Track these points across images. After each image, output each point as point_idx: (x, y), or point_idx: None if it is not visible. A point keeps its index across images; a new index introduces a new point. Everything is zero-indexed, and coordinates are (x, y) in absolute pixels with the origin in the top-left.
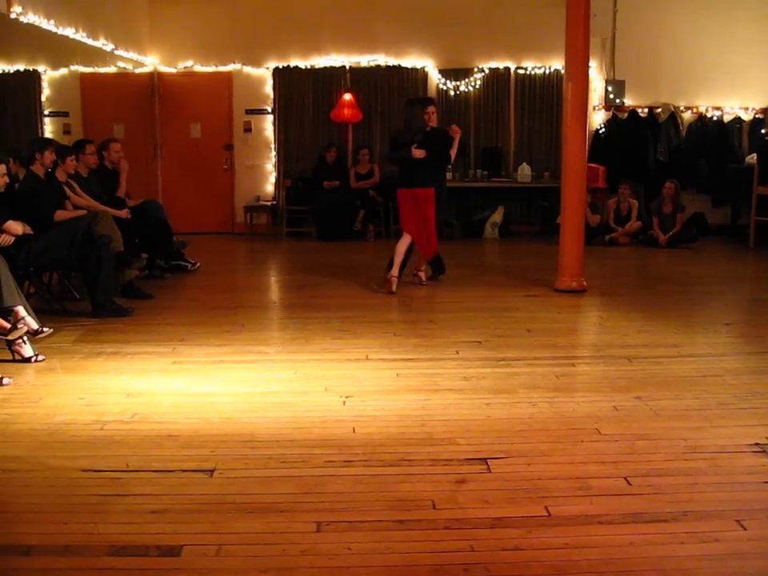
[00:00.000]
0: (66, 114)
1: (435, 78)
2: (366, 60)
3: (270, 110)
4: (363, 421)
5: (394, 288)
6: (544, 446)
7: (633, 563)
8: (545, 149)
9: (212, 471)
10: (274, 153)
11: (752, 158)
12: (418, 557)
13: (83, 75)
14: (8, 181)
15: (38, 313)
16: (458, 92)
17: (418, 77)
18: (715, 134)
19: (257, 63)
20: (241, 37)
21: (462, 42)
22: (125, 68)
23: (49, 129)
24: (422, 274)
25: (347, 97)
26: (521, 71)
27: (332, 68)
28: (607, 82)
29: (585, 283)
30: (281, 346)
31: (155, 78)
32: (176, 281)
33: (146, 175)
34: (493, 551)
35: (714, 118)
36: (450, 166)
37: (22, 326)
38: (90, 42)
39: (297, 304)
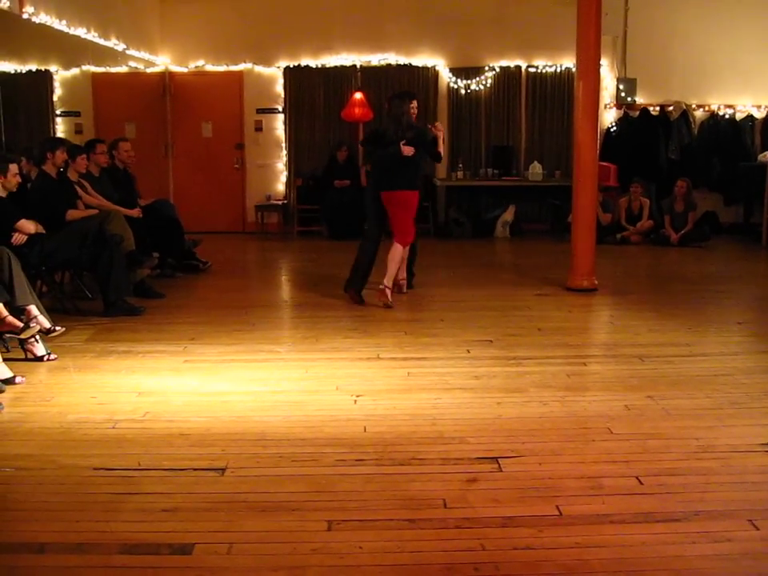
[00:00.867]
0: (77, 114)
1: (446, 76)
2: (376, 59)
3: (280, 109)
4: (374, 420)
5: (390, 299)
6: (555, 445)
7: (644, 563)
8: (556, 147)
9: (223, 470)
10: (284, 152)
11: (764, 156)
12: (428, 556)
13: (95, 75)
14: (20, 180)
15: (50, 312)
16: (468, 91)
17: (429, 75)
18: (727, 132)
19: (268, 62)
20: (252, 36)
21: (473, 40)
22: (136, 68)
23: (61, 128)
24: (404, 283)
25: (358, 96)
26: (532, 70)
27: (343, 67)
28: (619, 80)
29: (596, 282)
30: (292, 345)
31: (166, 77)
32: (187, 280)
33: (157, 174)
34: (504, 550)
35: (726, 116)
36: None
37: (34, 324)
38: (101, 41)
39: (307, 303)
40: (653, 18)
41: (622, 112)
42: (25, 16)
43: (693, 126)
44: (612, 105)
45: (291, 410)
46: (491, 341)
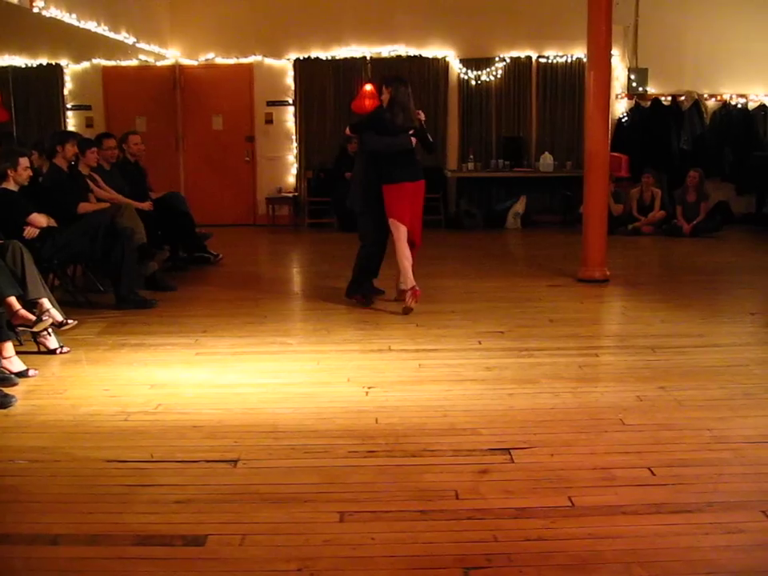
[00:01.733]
0: (88, 108)
1: (456, 67)
2: (386, 50)
3: (291, 101)
4: (386, 411)
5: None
6: (567, 437)
7: (657, 554)
8: (567, 138)
9: (236, 461)
10: (295, 144)
11: None
12: (440, 547)
13: (105, 68)
14: (31, 174)
15: (62, 305)
16: (479, 81)
17: (439, 67)
18: (739, 122)
19: (278, 55)
20: (261, 28)
21: (483, 31)
22: (146, 61)
23: (71, 122)
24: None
25: (368, 87)
26: (543, 60)
27: (353, 59)
28: (630, 71)
29: (608, 273)
30: (303, 337)
31: (177, 70)
32: (199, 273)
33: (168, 168)
34: (516, 541)
35: (739, 106)
36: None
37: (47, 318)
38: (111, 35)
39: (319, 295)
40: (664, 7)
41: (634, 102)
42: (35, 10)
43: (705, 115)
44: (623, 95)
45: (303, 401)
46: (503, 332)
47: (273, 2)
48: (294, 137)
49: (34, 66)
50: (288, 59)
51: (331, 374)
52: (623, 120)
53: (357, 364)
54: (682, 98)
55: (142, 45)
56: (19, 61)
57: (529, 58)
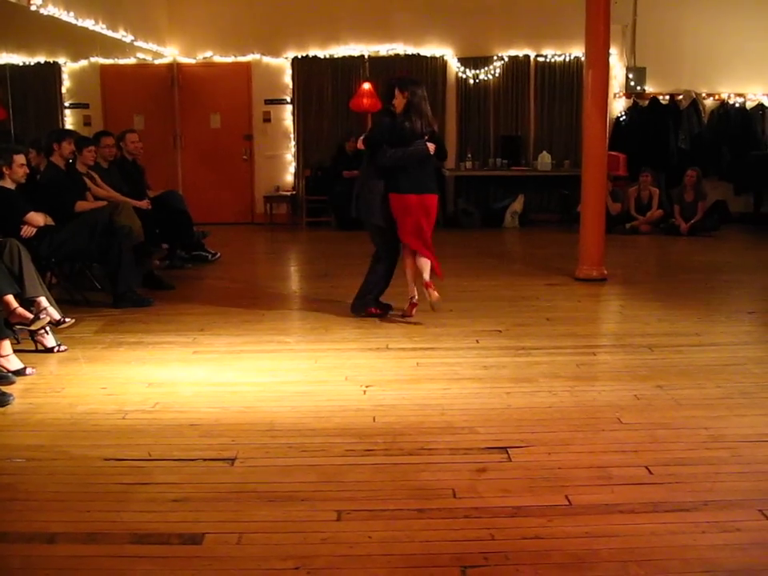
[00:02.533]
0: (86, 106)
1: (454, 66)
2: (384, 49)
3: (289, 99)
4: (383, 410)
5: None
6: (564, 435)
7: (653, 552)
8: (565, 137)
9: (233, 460)
10: (293, 143)
11: None
12: (438, 545)
13: (103, 67)
14: (27, 171)
15: (59, 303)
16: (477, 80)
17: (437, 65)
18: (737, 121)
19: (275, 53)
20: (259, 27)
21: (482, 29)
22: (144, 59)
23: (69, 120)
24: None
25: (366, 86)
26: (541, 59)
27: (351, 57)
28: (628, 69)
29: (605, 272)
30: (301, 336)
31: (174, 68)
32: (196, 271)
33: (166, 166)
34: (513, 540)
35: (737, 105)
36: None
37: (44, 316)
38: (109, 33)
39: (316, 293)
40: (662, 6)
41: (632, 101)
42: (33, 8)
43: (703, 114)
44: (621, 94)
45: (300, 400)
46: (500, 331)
47: (271, 0)
48: (291, 135)
49: (32, 64)
50: (286, 58)
51: (329, 373)
52: (621, 119)
53: (354, 362)
54: (680, 97)
55: (139, 43)
56: (17, 59)
57: (527, 56)
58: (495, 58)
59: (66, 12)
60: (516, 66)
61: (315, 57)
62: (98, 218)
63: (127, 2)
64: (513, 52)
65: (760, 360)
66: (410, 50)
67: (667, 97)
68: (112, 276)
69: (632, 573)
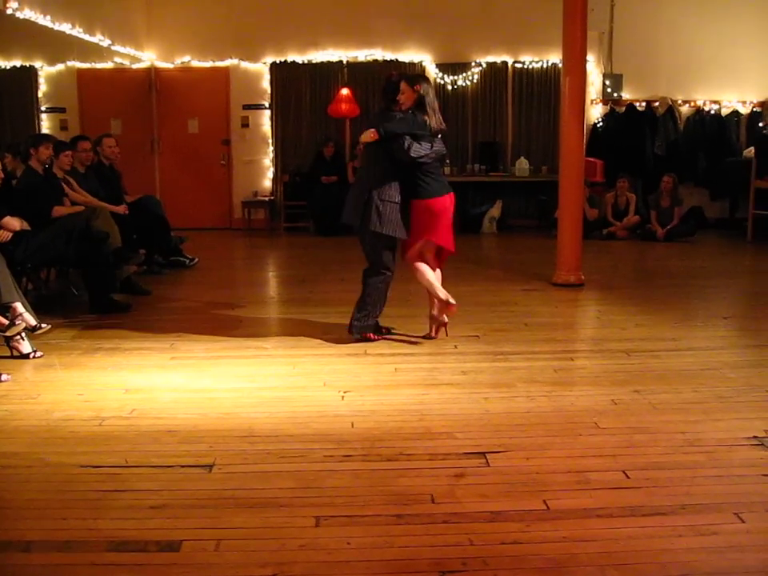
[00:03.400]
0: (62, 110)
1: (433, 72)
2: (363, 55)
3: (267, 105)
4: (362, 415)
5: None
6: (542, 440)
7: (631, 556)
8: (542, 143)
9: (211, 466)
10: (271, 148)
11: (750, 152)
12: (416, 551)
13: (80, 71)
14: (2, 176)
15: (35, 309)
16: (455, 86)
17: (416, 71)
18: (713, 128)
19: (254, 58)
20: (238, 32)
21: (460, 36)
22: (122, 63)
23: (46, 125)
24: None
25: (344, 92)
26: (518, 65)
27: (329, 63)
28: (605, 76)
29: (583, 277)
30: (279, 341)
31: (152, 73)
32: (174, 276)
33: (143, 171)
34: (491, 545)
35: (712, 112)
36: None
37: (20, 322)
38: (86, 37)
39: (295, 299)
40: (639, 13)
41: (609, 108)
42: (9, 11)
43: (679, 121)
44: (598, 100)
45: (279, 406)
46: (478, 336)
47: (249, 5)
48: (270, 140)
49: (8, 67)
50: (264, 63)
51: (307, 379)
52: (598, 125)
53: (333, 368)
54: (657, 103)
55: (117, 47)
56: None
57: (505, 63)
58: (473, 64)
59: (42, 16)
60: (494, 72)
61: (294, 62)
62: (75, 223)
63: (105, 6)
64: (491, 58)
65: (735, 365)
66: (389, 55)
67: (644, 103)
68: (89, 281)
69: None
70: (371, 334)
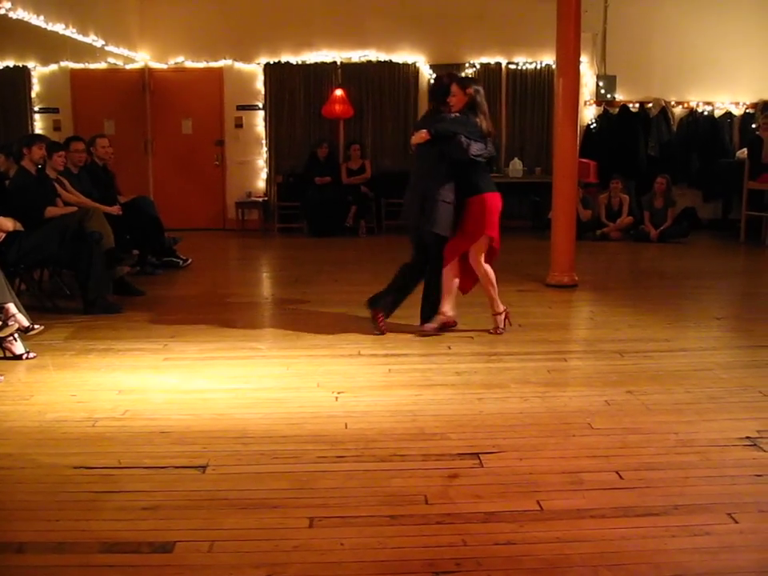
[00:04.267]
0: (56, 111)
1: (426, 73)
2: (357, 55)
3: (261, 105)
4: (355, 416)
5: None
6: (536, 441)
7: (624, 557)
8: (536, 144)
9: (204, 467)
10: (265, 149)
11: (742, 153)
12: (410, 552)
13: (73, 71)
14: None
15: (28, 310)
16: None
17: (410, 72)
18: (706, 129)
19: (248, 59)
20: (232, 32)
21: (454, 37)
22: (115, 64)
23: (39, 125)
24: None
25: (338, 92)
26: (512, 66)
27: (323, 63)
28: (598, 77)
29: (576, 278)
30: (273, 342)
31: (146, 73)
32: (167, 277)
33: (137, 171)
34: (485, 546)
35: (705, 113)
36: None
37: (12, 323)
38: (79, 37)
39: (288, 300)
40: (632, 15)
41: (602, 109)
42: (2, 11)
43: (672, 122)
44: (592, 102)
45: (272, 407)
46: (472, 337)
47: (243, 5)
48: (263, 141)
49: (1, 68)
50: (258, 63)
51: (301, 379)
52: (592, 126)
53: (326, 369)
54: (650, 105)
55: (110, 47)
56: None
57: (498, 64)
58: (467, 65)
59: (35, 16)
60: (488, 73)
61: (288, 63)
62: (68, 224)
63: (98, 6)
64: (484, 59)
65: (728, 365)
66: (383, 56)
67: (637, 105)
68: (82, 282)
69: None
70: (382, 316)
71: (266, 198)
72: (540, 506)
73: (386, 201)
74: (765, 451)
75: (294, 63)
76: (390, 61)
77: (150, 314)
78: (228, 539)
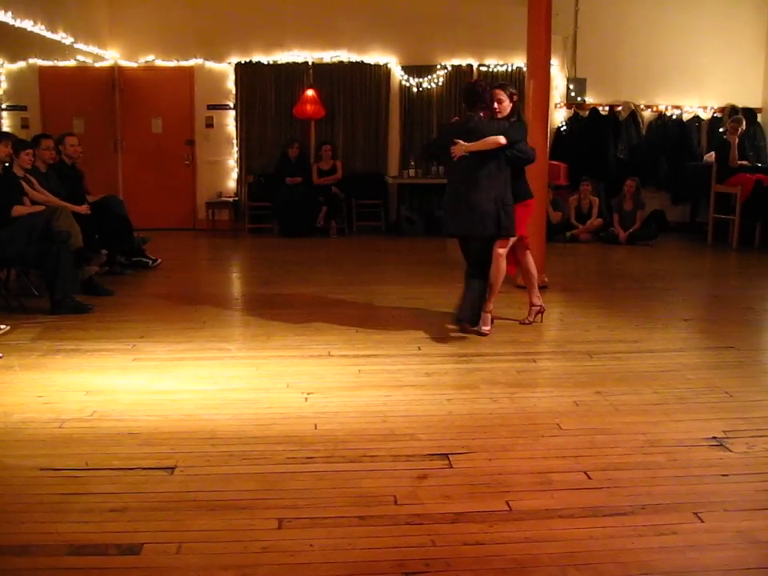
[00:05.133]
0: (24, 108)
1: (398, 74)
2: (328, 56)
3: (231, 105)
4: (325, 417)
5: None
6: (505, 441)
7: (592, 556)
8: None
9: (172, 469)
10: (236, 148)
11: (710, 156)
12: (379, 552)
13: (42, 69)
14: None
15: None
16: (420, 89)
17: (381, 73)
18: (675, 133)
19: (219, 58)
20: (203, 31)
21: (425, 38)
22: (84, 62)
23: (6, 123)
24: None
25: (310, 93)
26: (483, 68)
27: (295, 64)
28: (569, 80)
29: (546, 279)
30: (242, 343)
31: (116, 72)
32: (136, 277)
33: (106, 170)
34: (454, 546)
35: (674, 117)
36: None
37: None
38: (48, 34)
39: (259, 300)
40: (603, 18)
41: (572, 111)
42: None
43: (641, 126)
44: (562, 104)
45: (241, 408)
46: (442, 338)
47: (214, 4)
48: (234, 141)
49: None
50: (229, 63)
51: (270, 380)
52: (562, 129)
53: (296, 370)
54: (620, 108)
55: (79, 45)
56: None
57: (470, 66)
58: (439, 66)
59: (3, 12)
60: (459, 74)
61: (259, 63)
62: (36, 223)
63: (67, 3)
64: (456, 61)
65: (695, 366)
66: (354, 57)
67: (607, 108)
68: (49, 282)
69: None
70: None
71: (236, 198)
72: (509, 506)
73: (357, 201)
74: (731, 451)
75: (266, 63)
76: (362, 62)
77: (118, 315)
78: (196, 541)
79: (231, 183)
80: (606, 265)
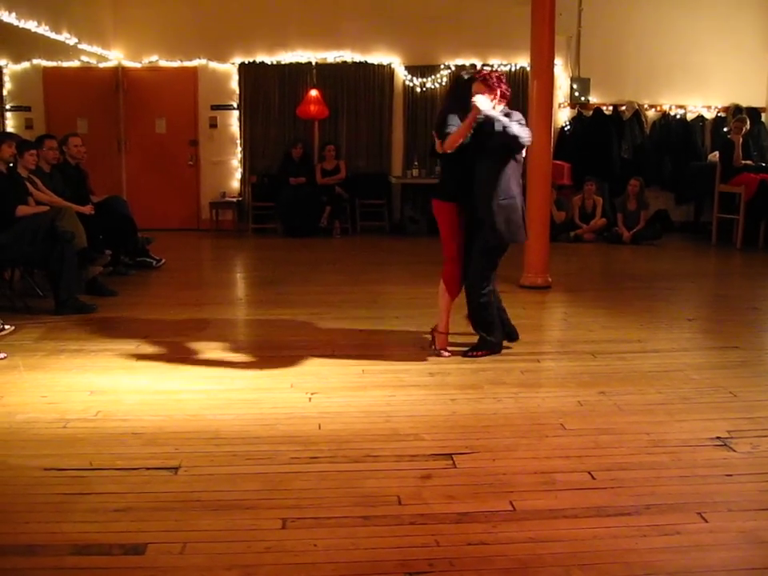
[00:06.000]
0: (28, 109)
1: (402, 74)
2: (332, 56)
3: (235, 105)
4: (329, 417)
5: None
6: (509, 441)
7: (596, 556)
8: None
9: (176, 469)
10: (239, 149)
11: (714, 156)
12: (383, 552)
13: (46, 69)
14: None
15: None
16: (424, 89)
17: (385, 73)
18: (678, 132)
19: (222, 58)
20: (206, 31)
21: (429, 38)
22: (88, 62)
23: (10, 124)
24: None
25: (313, 93)
26: (487, 68)
27: (298, 64)
28: (572, 80)
29: (550, 279)
30: (246, 343)
31: (119, 72)
32: (140, 278)
33: (110, 171)
34: (458, 546)
35: (678, 116)
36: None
37: None
38: (52, 35)
39: (262, 300)
40: (606, 18)
41: (576, 111)
42: None
43: (645, 125)
44: (566, 104)
45: (245, 407)
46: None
47: (218, 4)
48: (238, 141)
49: None
50: (233, 63)
51: (274, 380)
52: (566, 129)
53: (300, 370)
54: (623, 107)
55: (83, 46)
56: None
57: (473, 66)
58: (442, 66)
59: (7, 13)
60: None
61: (262, 63)
62: (40, 223)
63: (71, 4)
64: (459, 61)
65: (699, 366)
66: (358, 57)
67: (611, 107)
68: (54, 282)
69: None
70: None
71: (240, 199)
72: (513, 506)
73: (361, 201)
74: (735, 451)
75: (269, 63)
76: (366, 62)
77: (122, 315)
78: (200, 541)
79: (235, 183)
80: (610, 265)
